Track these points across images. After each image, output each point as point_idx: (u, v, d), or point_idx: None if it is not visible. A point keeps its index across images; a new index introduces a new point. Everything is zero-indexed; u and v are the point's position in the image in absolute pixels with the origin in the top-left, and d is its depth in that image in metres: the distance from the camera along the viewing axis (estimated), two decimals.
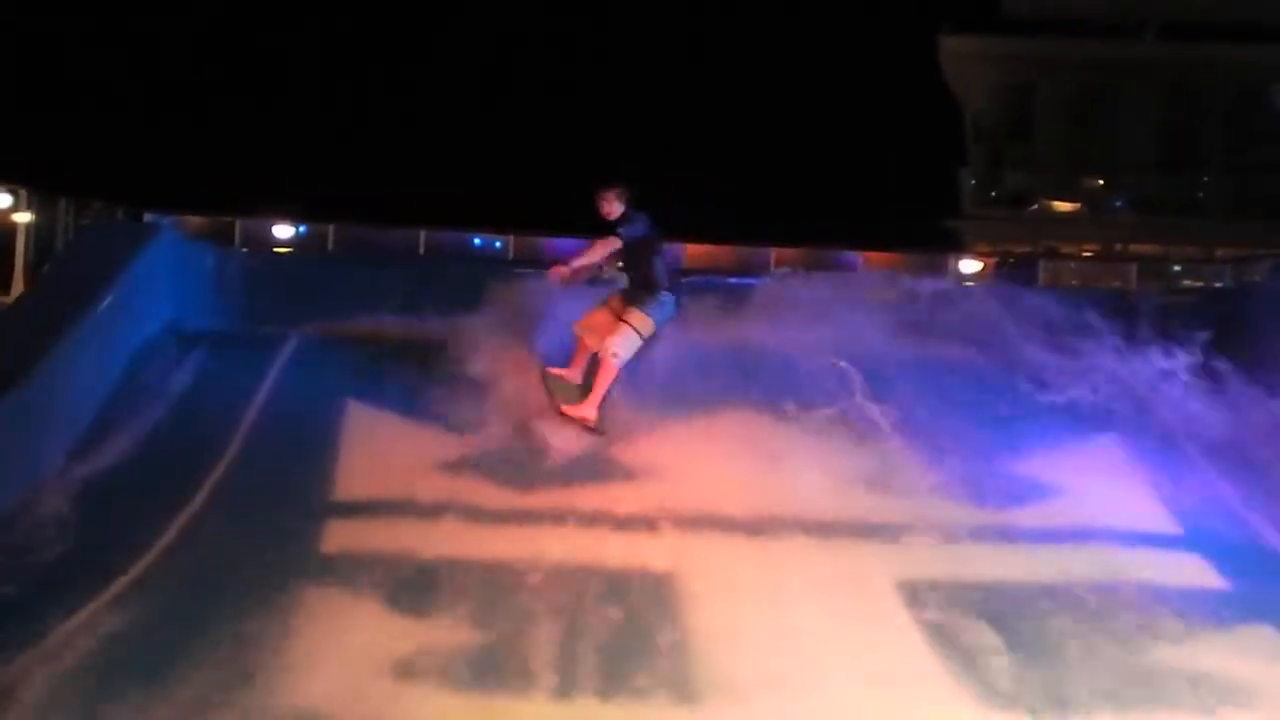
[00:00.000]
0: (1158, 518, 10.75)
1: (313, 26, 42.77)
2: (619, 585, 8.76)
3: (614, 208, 11.64)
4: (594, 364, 11.46)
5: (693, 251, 17.84)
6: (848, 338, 12.35)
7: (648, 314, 11.45)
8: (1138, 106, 36.41)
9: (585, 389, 11.39)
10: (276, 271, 15.59)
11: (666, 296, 11.58)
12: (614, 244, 11.46)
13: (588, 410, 11.21)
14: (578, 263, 11.53)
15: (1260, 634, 8.67)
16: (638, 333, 11.36)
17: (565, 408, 11.23)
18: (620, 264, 11.95)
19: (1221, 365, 12.76)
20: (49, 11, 36.60)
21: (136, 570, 8.69)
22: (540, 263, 16.94)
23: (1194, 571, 9.79)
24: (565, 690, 7.47)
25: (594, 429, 11.18)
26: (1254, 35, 33.30)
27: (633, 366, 11.46)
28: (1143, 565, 9.68)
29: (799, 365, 11.85)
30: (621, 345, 11.27)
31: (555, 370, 11.53)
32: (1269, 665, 8.20)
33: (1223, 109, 36.28)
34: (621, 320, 11.41)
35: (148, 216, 16.54)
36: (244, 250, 16.75)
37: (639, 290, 11.58)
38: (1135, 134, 36.50)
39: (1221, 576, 9.71)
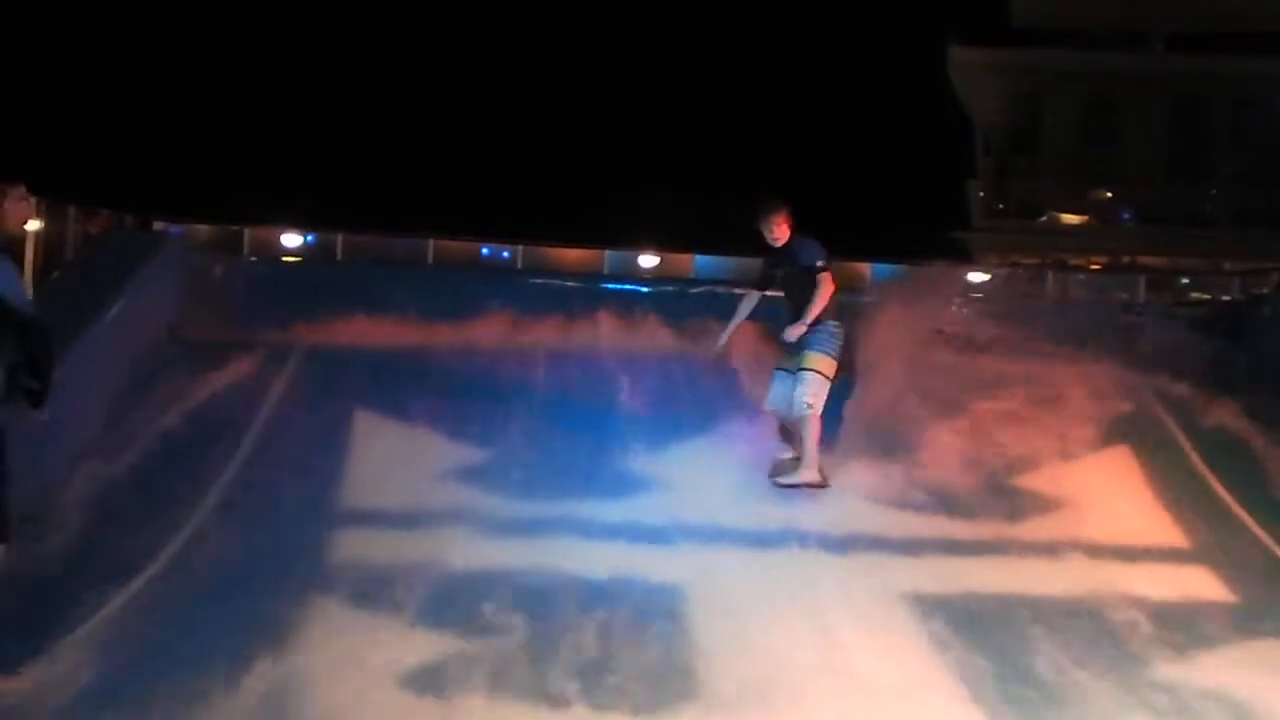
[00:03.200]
0: (1165, 530, 10.74)
1: (322, 34, 42.84)
2: (627, 596, 8.73)
3: (782, 231, 10.88)
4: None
5: (701, 263, 17.83)
6: None
7: (825, 352, 10.67)
8: (1146, 118, 36.40)
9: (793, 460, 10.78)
10: (284, 279, 15.62)
11: (835, 327, 10.81)
12: (830, 281, 10.72)
13: (808, 475, 10.57)
14: (811, 315, 10.63)
15: (1271, 648, 8.64)
16: (823, 375, 10.62)
17: (783, 481, 10.63)
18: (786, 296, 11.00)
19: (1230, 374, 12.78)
20: (58, 18, 36.64)
21: (143, 579, 8.67)
22: (549, 272, 17.04)
23: (1201, 584, 9.76)
24: (573, 701, 7.43)
25: (821, 484, 10.59)
26: (1262, 47, 33.28)
27: (643, 379, 11.42)
28: (1152, 579, 9.66)
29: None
30: (812, 394, 10.53)
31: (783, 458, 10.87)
32: (1275, 678, 8.16)
33: (1231, 120, 36.27)
34: (801, 369, 10.60)
35: (156, 225, 16.54)
36: (252, 259, 16.76)
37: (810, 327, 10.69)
38: (1143, 145, 36.49)
39: (1229, 589, 9.69)
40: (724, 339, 11.18)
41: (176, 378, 12.02)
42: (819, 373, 10.56)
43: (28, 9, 34.42)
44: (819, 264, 10.67)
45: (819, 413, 10.54)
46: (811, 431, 10.51)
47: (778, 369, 10.84)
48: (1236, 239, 33.24)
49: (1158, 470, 11.64)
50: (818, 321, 10.60)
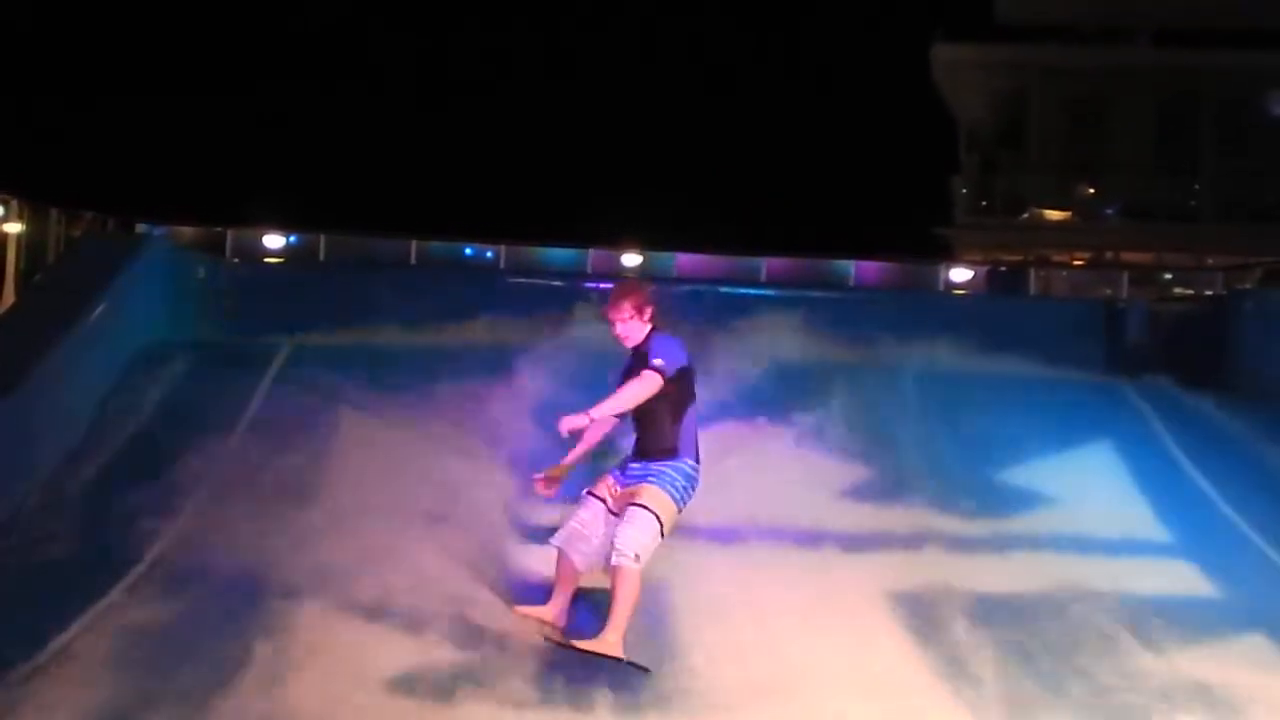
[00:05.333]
0: (1149, 526, 10.77)
1: (305, 36, 42.76)
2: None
3: (636, 326, 8.22)
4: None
5: (683, 262, 17.83)
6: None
7: (667, 489, 7.97)
8: (1131, 114, 36.43)
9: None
10: (268, 281, 15.65)
11: (690, 467, 8.12)
12: (655, 384, 7.99)
13: (607, 643, 7.77)
14: (601, 411, 8.03)
15: (1254, 643, 8.66)
16: (657, 518, 7.87)
17: (579, 645, 7.86)
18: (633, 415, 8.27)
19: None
20: (40, 21, 36.57)
21: (125, 583, 8.63)
22: (534, 272, 17.05)
23: (1185, 579, 9.79)
24: (554, 703, 7.42)
25: (628, 662, 7.76)
26: (1248, 42, 33.31)
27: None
28: (1136, 574, 9.68)
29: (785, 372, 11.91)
30: (636, 540, 7.80)
31: (526, 609, 8.34)
32: (1263, 675, 8.18)
33: (1217, 116, 36.29)
34: (631, 504, 7.96)
35: (139, 227, 16.52)
36: (235, 260, 16.75)
37: (651, 455, 8.14)
38: (1129, 141, 36.51)
39: (1214, 585, 9.72)
40: (563, 465, 8.52)
41: (161, 380, 12.02)
42: (655, 515, 7.87)
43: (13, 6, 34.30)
44: (656, 361, 8.02)
45: (639, 569, 7.85)
46: (625, 589, 7.80)
47: (589, 493, 8.36)
48: (1221, 235, 33.30)
49: (1140, 465, 11.69)
50: (674, 455, 8.06)
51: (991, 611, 8.87)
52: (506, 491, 10.18)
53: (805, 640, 8.23)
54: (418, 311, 13.27)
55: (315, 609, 8.25)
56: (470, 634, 8.05)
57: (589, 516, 8.20)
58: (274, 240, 17.57)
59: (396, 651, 7.80)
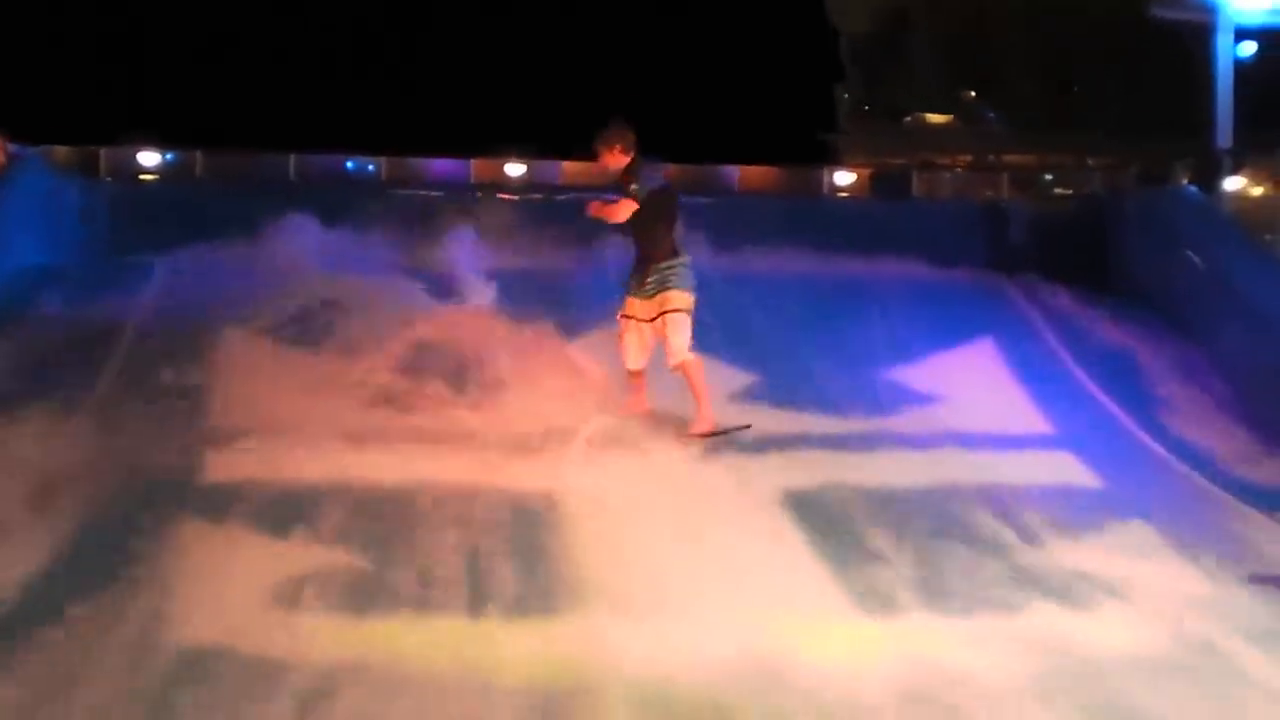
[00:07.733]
0: (1032, 420, 10.95)
1: None
2: (504, 504, 8.67)
3: (619, 158, 10.03)
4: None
5: (569, 169, 17.75)
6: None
7: (685, 288, 9.92)
8: (1015, 22, 36.68)
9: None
10: (143, 200, 15.37)
11: (688, 259, 10.07)
12: (631, 208, 9.87)
13: (704, 425, 9.85)
14: (601, 211, 10.02)
15: (1132, 529, 8.84)
16: (687, 313, 9.88)
17: (697, 432, 9.83)
18: (630, 231, 10.11)
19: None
20: None
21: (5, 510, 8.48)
22: (417, 183, 16.92)
23: (1067, 470, 9.96)
24: (453, 609, 7.40)
25: (723, 430, 9.87)
26: None
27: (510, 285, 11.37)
28: (1018, 466, 9.84)
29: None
30: (684, 338, 9.82)
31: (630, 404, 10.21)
32: (1141, 560, 8.34)
33: (1097, 25, 36.63)
34: (663, 313, 9.88)
35: (10, 147, 16.14)
36: (109, 180, 16.43)
37: (659, 264, 10.00)
38: (1012, 49, 36.80)
39: (1094, 475, 9.90)
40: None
41: (39, 302, 11.79)
42: (684, 311, 9.87)
43: None
44: (632, 188, 9.81)
45: (695, 357, 9.90)
46: (697, 378, 9.90)
47: (623, 316, 10.14)
48: (1100, 140, 33.73)
49: (1021, 360, 11.89)
50: (675, 254, 9.93)
51: (876, 508, 8.95)
52: (394, 394, 10.18)
53: (702, 541, 8.24)
54: (298, 226, 13.09)
55: (207, 522, 8.17)
56: (370, 546, 8.00)
57: (635, 333, 10.01)
58: (149, 158, 17.26)
59: (290, 562, 7.74)
